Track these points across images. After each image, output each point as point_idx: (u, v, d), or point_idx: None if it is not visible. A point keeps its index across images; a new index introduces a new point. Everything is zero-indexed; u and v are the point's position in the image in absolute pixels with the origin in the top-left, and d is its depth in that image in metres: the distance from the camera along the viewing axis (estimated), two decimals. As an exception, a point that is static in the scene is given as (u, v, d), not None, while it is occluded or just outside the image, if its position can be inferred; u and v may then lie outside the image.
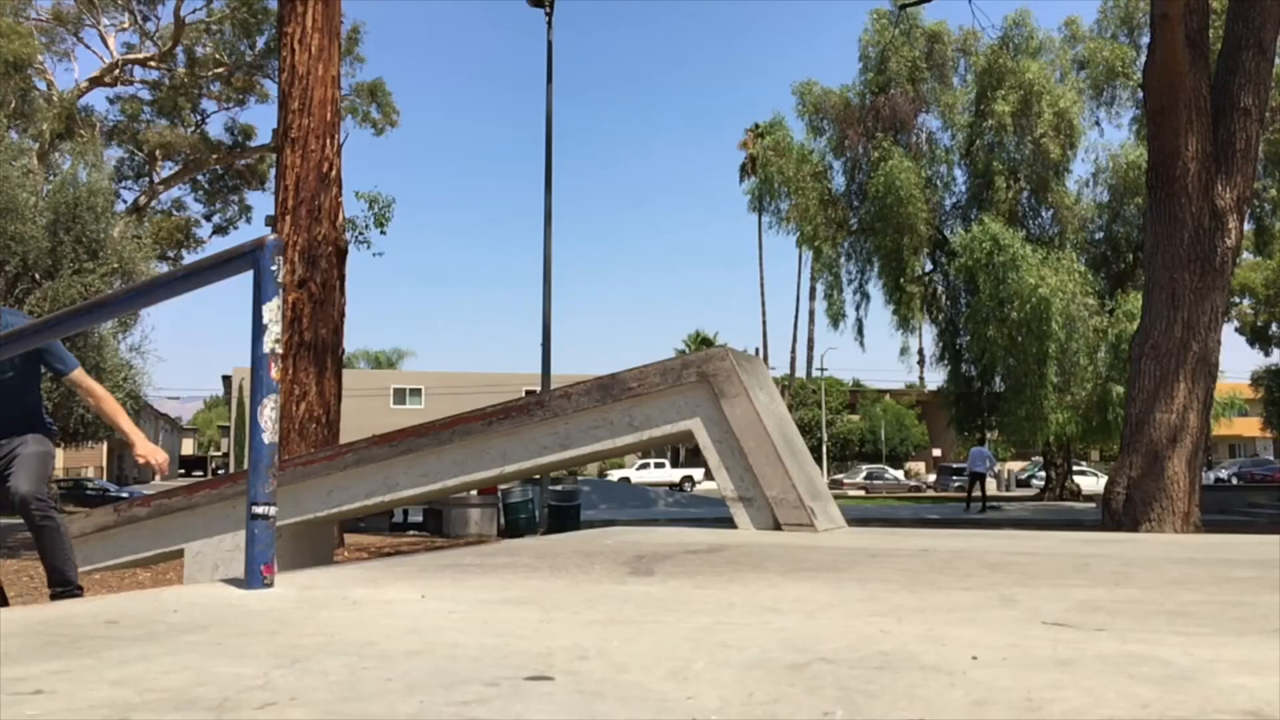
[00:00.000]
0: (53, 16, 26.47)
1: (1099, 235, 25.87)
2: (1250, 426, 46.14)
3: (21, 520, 3.52)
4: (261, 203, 33.15)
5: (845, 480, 41.19)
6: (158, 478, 3.80)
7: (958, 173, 26.33)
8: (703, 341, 55.65)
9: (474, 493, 14.35)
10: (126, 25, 26.93)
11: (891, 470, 45.82)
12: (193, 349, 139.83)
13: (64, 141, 24.22)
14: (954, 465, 39.36)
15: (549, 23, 17.47)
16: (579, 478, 21.81)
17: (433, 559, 3.22)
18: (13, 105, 23.99)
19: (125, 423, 3.58)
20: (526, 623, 1.82)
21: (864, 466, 45.96)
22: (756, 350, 52.63)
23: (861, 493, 38.09)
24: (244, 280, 2.58)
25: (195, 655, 1.53)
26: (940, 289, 26.47)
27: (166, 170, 28.62)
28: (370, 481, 5.20)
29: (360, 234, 23.07)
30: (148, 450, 3.49)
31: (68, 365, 3.62)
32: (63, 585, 3.49)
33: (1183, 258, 8.37)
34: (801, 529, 4.19)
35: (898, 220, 23.40)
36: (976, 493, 23.80)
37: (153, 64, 27.16)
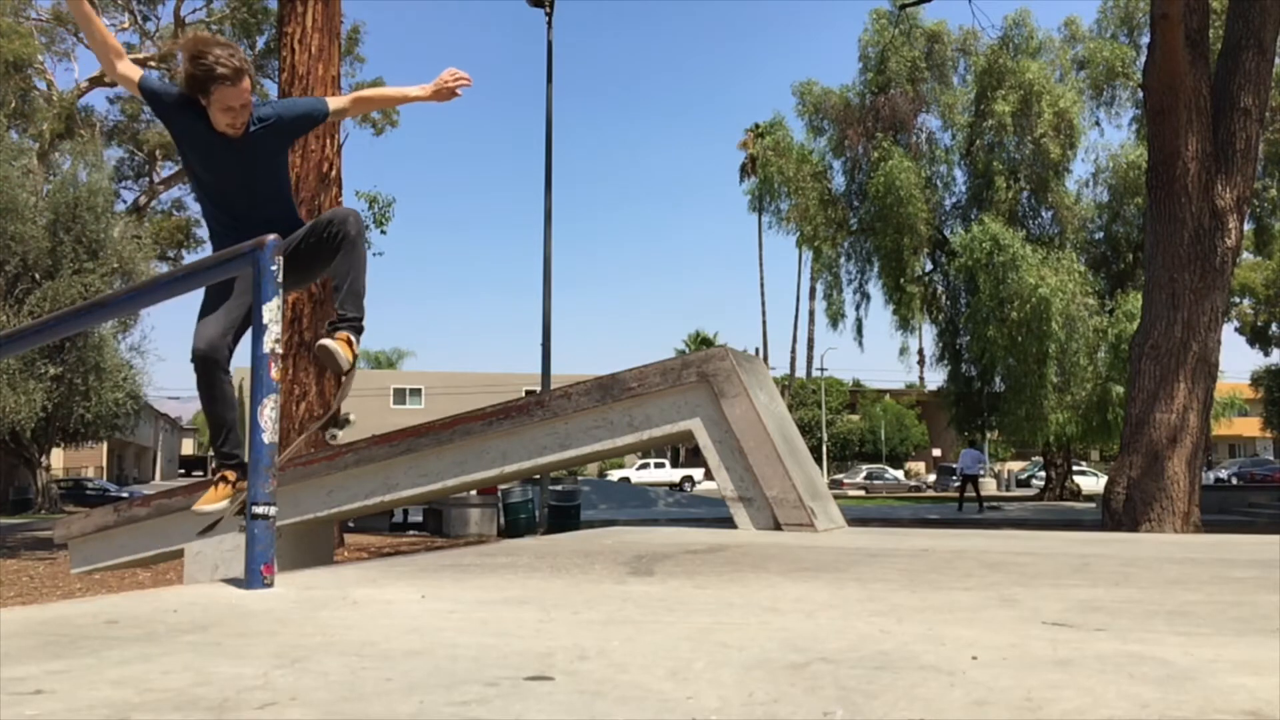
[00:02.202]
0: (53, 16, 26.47)
1: (1099, 235, 25.87)
2: (1250, 426, 46.16)
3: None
4: (261, 203, 33.07)
5: (845, 480, 41.19)
6: (452, 89, 3.33)
7: (958, 173, 26.35)
8: (703, 341, 55.66)
9: (474, 493, 14.35)
10: (126, 25, 26.93)
11: (891, 470, 45.81)
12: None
13: (64, 141, 24.22)
14: (954, 465, 39.36)
15: (549, 23, 17.48)
16: (579, 478, 21.82)
17: (433, 559, 3.22)
18: (13, 105, 23.99)
19: (397, 91, 3.38)
20: (526, 623, 1.82)
21: (864, 466, 45.96)
22: (756, 350, 52.66)
23: (861, 493, 38.09)
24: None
25: (195, 655, 1.53)
26: (940, 289, 26.47)
27: (166, 170, 28.63)
28: (370, 481, 5.20)
29: (360, 234, 23.01)
30: (435, 86, 3.21)
31: (322, 104, 3.30)
32: (356, 310, 3.21)
33: (1183, 258, 8.37)
34: (801, 529, 4.19)
35: (898, 220, 23.40)
36: (970, 493, 23.83)
37: (153, 64, 27.13)
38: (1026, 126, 23.81)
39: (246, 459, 3.25)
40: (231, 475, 3.19)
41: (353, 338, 3.17)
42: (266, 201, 3.23)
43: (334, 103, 3.25)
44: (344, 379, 3.27)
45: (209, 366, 3.10)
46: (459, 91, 3.23)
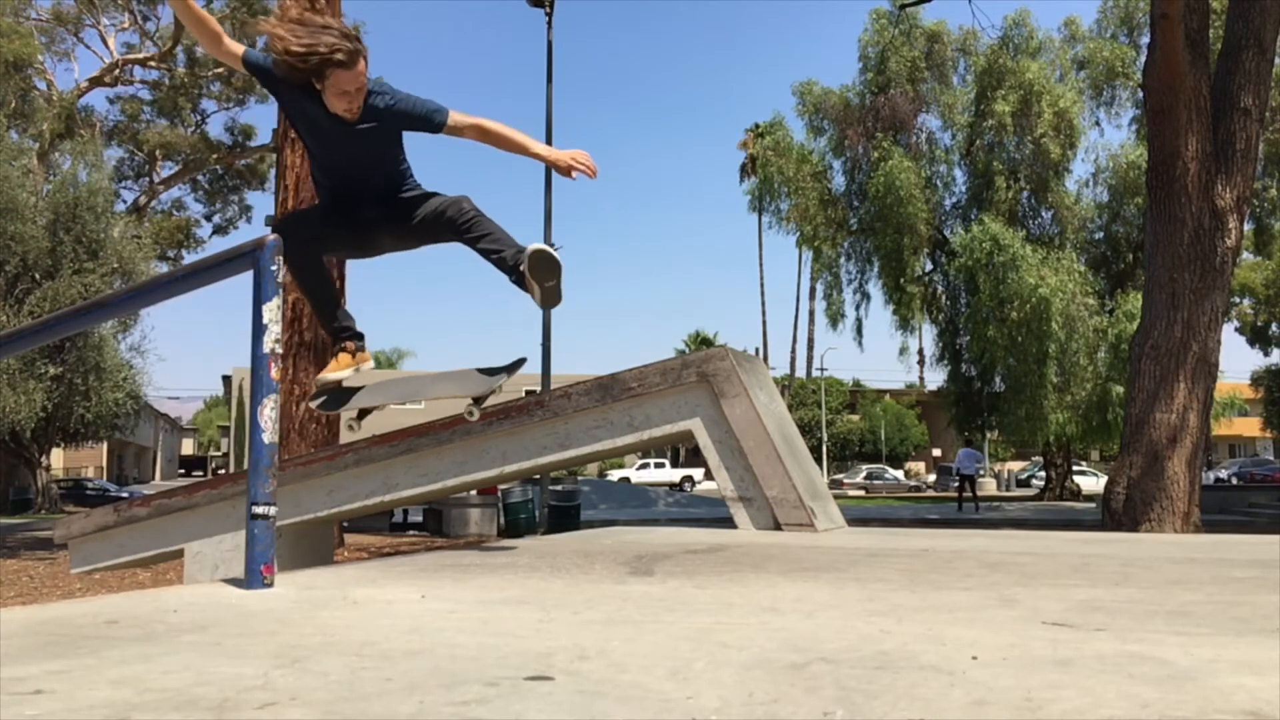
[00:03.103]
0: (53, 16, 26.47)
1: (1099, 235, 25.87)
2: (1250, 426, 46.16)
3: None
4: (261, 203, 33.17)
5: (845, 480, 41.19)
6: (572, 165, 3.10)
7: (958, 173, 26.34)
8: (703, 341, 55.65)
9: (474, 493, 14.35)
10: (126, 25, 26.94)
11: (891, 470, 45.81)
12: (193, 349, 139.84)
13: (64, 141, 24.22)
14: (953, 465, 39.38)
15: (549, 23, 17.48)
16: (579, 478, 21.81)
17: (433, 559, 3.22)
18: (13, 105, 23.98)
19: (521, 138, 3.17)
20: (526, 623, 1.82)
21: (864, 466, 45.96)
22: (756, 350, 52.65)
23: (861, 493, 38.08)
24: (244, 280, 2.58)
25: (195, 655, 1.53)
26: (940, 289, 26.47)
27: (166, 170, 28.64)
28: (370, 481, 5.20)
29: (360, 234, 23.04)
30: (560, 155, 3.07)
31: (441, 114, 3.13)
32: (517, 246, 3.10)
33: (1183, 258, 8.37)
34: (801, 529, 4.19)
35: (898, 220, 23.40)
36: (967, 493, 23.87)
37: (153, 64, 27.16)
38: (1026, 126, 23.81)
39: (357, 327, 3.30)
40: (350, 346, 3.24)
41: (544, 246, 3.08)
42: (377, 177, 3.19)
43: (455, 117, 3.12)
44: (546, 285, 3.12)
45: (291, 235, 3.04)
46: (574, 176, 3.10)
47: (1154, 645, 1.55)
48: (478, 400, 3.21)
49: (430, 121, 3.10)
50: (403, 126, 3.14)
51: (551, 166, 3.11)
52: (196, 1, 3.07)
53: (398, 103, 3.06)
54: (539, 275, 3.02)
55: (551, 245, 3.14)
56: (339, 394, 3.31)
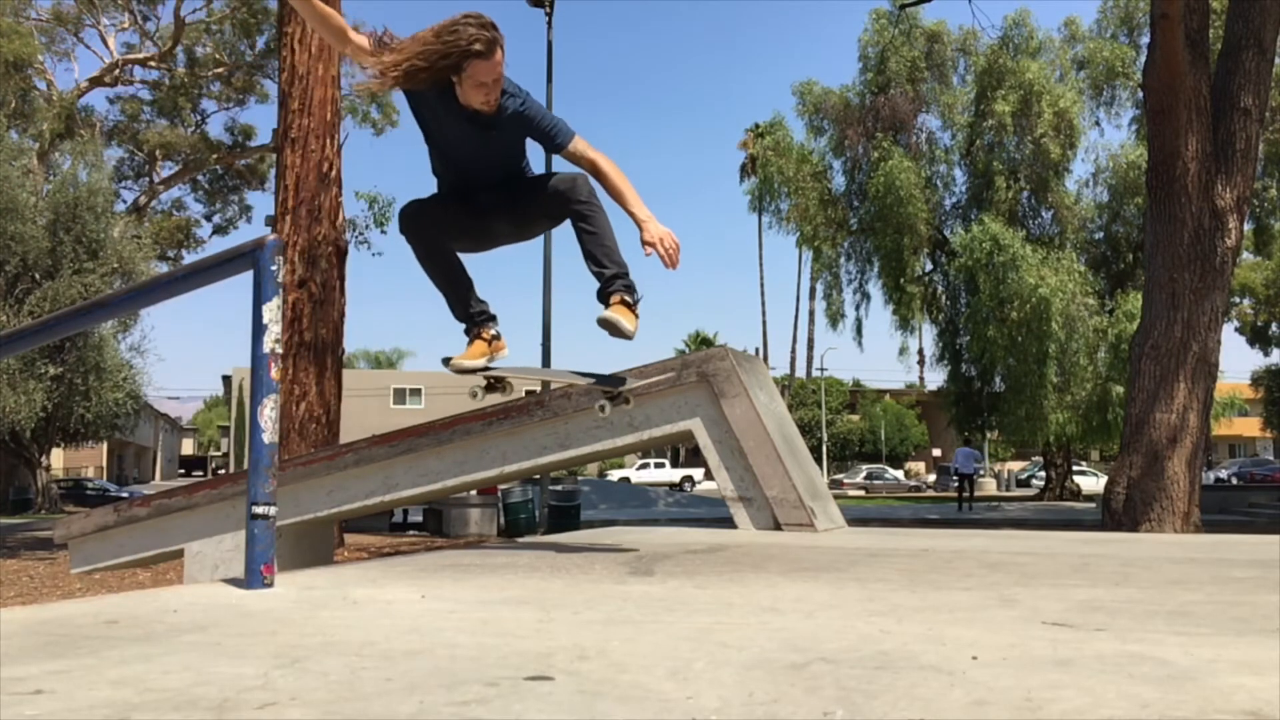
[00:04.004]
0: (53, 16, 26.47)
1: (1099, 235, 25.87)
2: (1250, 426, 46.16)
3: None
4: (261, 203, 33.18)
5: (845, 480, 41.19)
6: (657, 244, 2.90)
7: (958, 173, 26.35)
8: (703, 341, 55.63)
9: (474, 493, 14.35)
10: (126, 25, 26.94)
11: (891, 470, 45.82)
12: (193, 349, 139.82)
13: (64, 141, 24.22)
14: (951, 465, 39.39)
15: (549, 23, 17.48)
16: (579, 478, 21.81)
17: (433, 559, 3.22)
18: (13, 105, 23.98)
19: (633, 202, 2.99)
20: (526, 623, 1.82)
21: (864, 466, 45.96)
22: (756, 350, 52.64)
23: (861, 493, 38.09)
24: (244, 280, 2.58)
25: (195, 655, 1.53)
26: (940, 289, 26.47)
27: (166, 170, 28.64)
28: (370, 481, 5.20)
29: (360, 234, 23.10)
30: (655, 228, 2.91)
31: (565, 137, 3.04)
32: (616, 265, 2.99)
33: (1183, 258, 8.37)
34: (801, 529, 4.19)
35: (898, 220, 23.40)
36: (967, 492, 23.94)
37: (153, 64, 27.16)
38: (1026, 126, 23.81)
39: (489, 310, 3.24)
40: (487, 333, 3.19)
41: (627, 296, 2.96)
42: (497, 174, 3.14)
43: (578, 144, 3.03)
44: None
45: (412, 223, 3.05)
46: (649, 253, 2.93)
47: (1154, 645, 1.55)
48: (609, 397, 3.17)
49: (551, 140, 3.03)
50: (525, 134, 3.07)
51: (639, 231, 2.96)
52: None
53: (527, 109, 3.00)
54: (607, 328, 2.98)
55: (631, 298, 2.97)
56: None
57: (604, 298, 2.99)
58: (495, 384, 3.32)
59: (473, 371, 3.20)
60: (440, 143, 3.08)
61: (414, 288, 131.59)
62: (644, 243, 2.91)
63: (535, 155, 3.28)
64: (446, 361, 3.25)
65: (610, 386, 3.08)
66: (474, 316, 3.21)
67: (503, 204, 3.16)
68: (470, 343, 3.22)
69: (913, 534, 4.25)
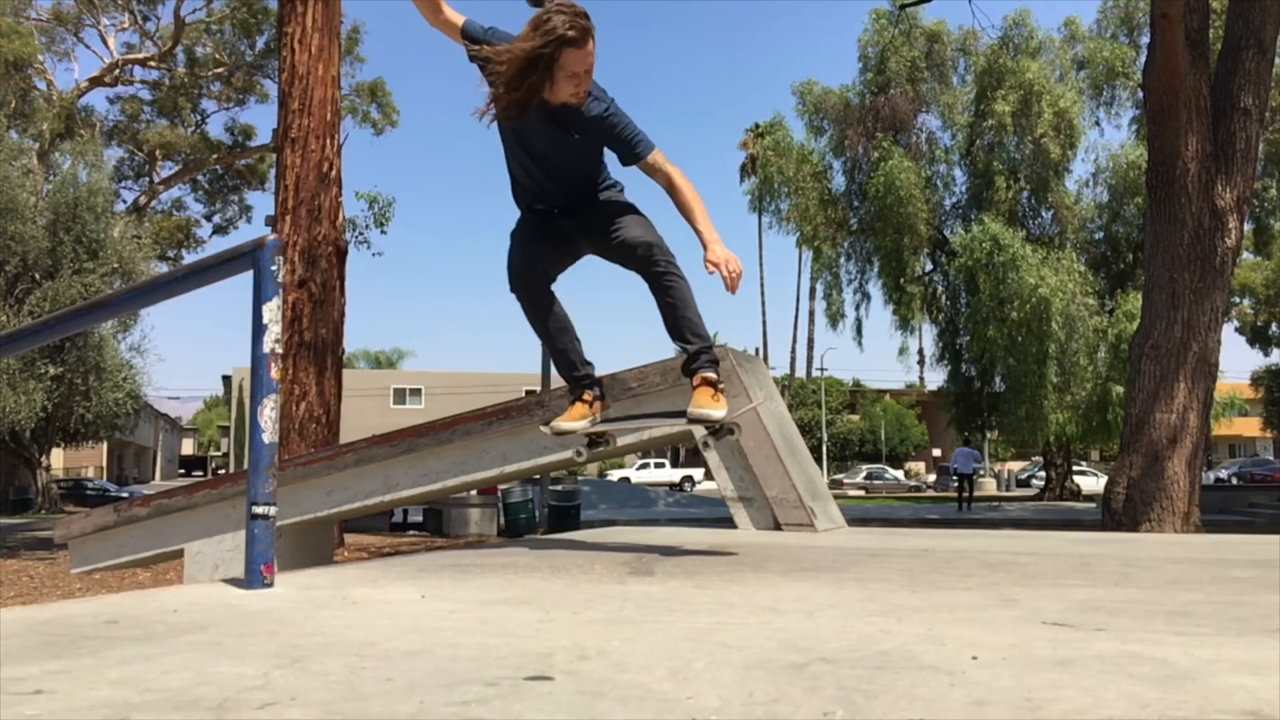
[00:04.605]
0: (53, 16, 26.47)
1: (1099, 235, 25.87)
2: (1250, 426, 46.15)
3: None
4: (261, 203, 33.20)
5: (845, 480, 41.19)
6: (728, 282, 2.83)
7: (958, 173, 26.35)
8: (702, 341, 55.45)
9: (474, 493, 14.35)
10: (126, 25, 26.94)
11: (891, 470, 45.82)
12: (193, 349, 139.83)
13: (64, 141, 24.22)
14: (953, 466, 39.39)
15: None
16: (579, 478, 21.82)
17: (433, 559, 3.22)
18: (13, 105, 23.98)
19: (701, 221, 2.97)
20: (526, 623, 1.82)
21: (864, 466, 45.96)
22: (756, 350, 52.64)
23: (861, 493, 38.09)
24: (244, 280, 2.58)
25: (195, 655, 1.53)
26: (940, 289, 26.48)
27: (166, 170, 28.64)
28: (370, 481, 5.20)
29: (360, 234, 23.10)
30: (720, 250, 2.88)
31: (645, 147, 3.00)
32: (699, 339, 2.98)
33: (1183, 258, 8.37)
34: (801, 529, 4.19)
35: (898, 220, 23.40)
36: (966, 492, 23.99)
37: (153, 64, 27.17)
38: (1026, 126, 23.82)
39: (594, 373, 3.20)
40: (589, 396, 3.16)
41: (711, 374, 2.94)
42: (573, 180, 3.10)
43: (656, 156, 3.00)
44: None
45: (530, 283, 3.02)
46: (712, 272, 2.90)
47: (1154, 645, 1.55)
48: (712, 431, 3.07)
49: (631, 149, 3.00)
50: (604, 141, 3.03)
51: (704, 249, 2.94)
52: None
53: (610, 115, 2.96)
54: (698, 422, 2.96)
55: (716, 374, 2.95)
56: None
57: (688, 373, 3.01)
58: (597, 440, 3.28)
59: (572, 433, 3.18)
60: (521, 141, 3.04)
61: (414, 288, 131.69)
62: (708, 262, 2.89)
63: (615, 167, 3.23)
64: (547, 423, 3.24)
65: (712, 422, 2.97)
66: (579, 379, 3.19)
67: (583, 232, 3.15)
68: (571, 404, 3.19)
69: (913, 534, 4.25)
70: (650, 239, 3.00)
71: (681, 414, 3.02)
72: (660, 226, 3.14)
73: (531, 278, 3.08)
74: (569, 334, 3.18)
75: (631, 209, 3.13)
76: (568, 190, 3.13)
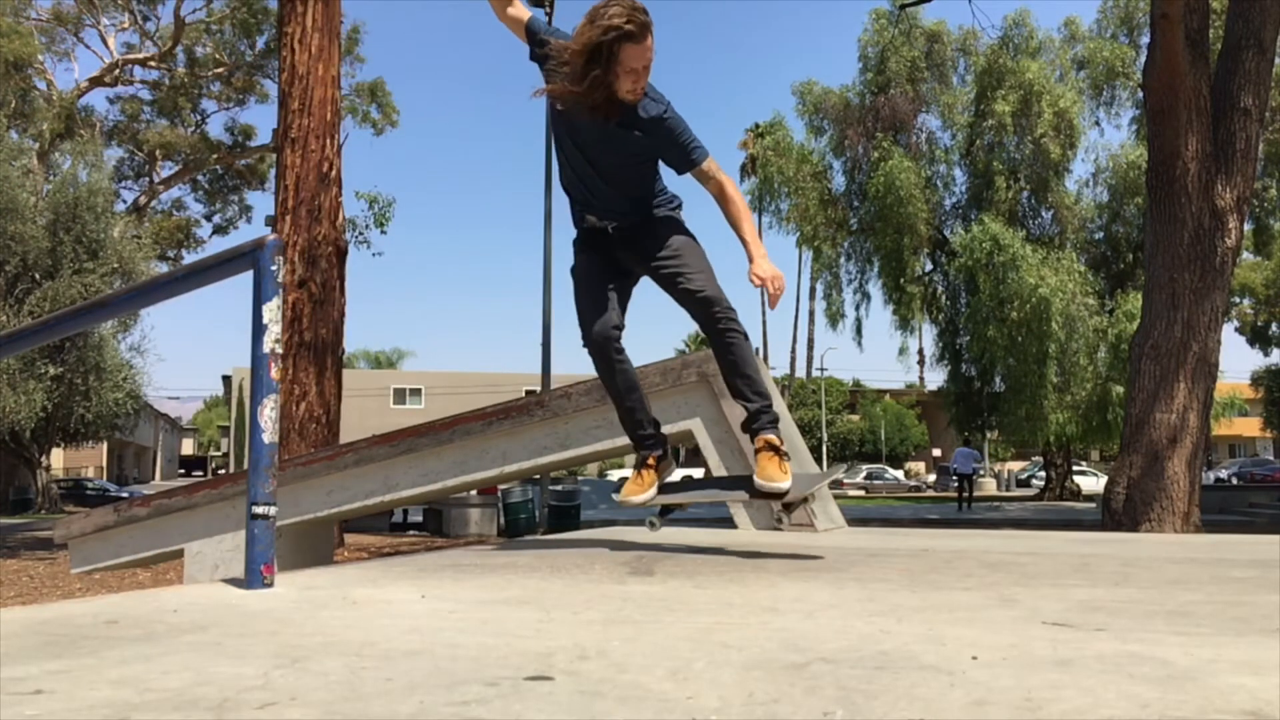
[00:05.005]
0: (53, 16, 26.48)
1: (1099, 235, 25.88)
2: (1250, 426, 46.16)
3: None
4: (261, 203, 33.21)
5: (845, 480, 41.18)
6: (768, 281, 2.84)
7: (958, 173, 26.36)
8: (703, 342, 55.40)
9: (474, 493, 14.36)
10: (126, 25, 26.95)
11: (891, 470, 45.81)
12: (193, 349, 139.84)
13: (64, 141, 24.22)
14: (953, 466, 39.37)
15: (549, 19, 17.47)
16: (579, 478, 21.81)
17: (433, 559, 3.22)
18: (13, 105, 23.98)
19: (749, 234, 2.95)
20: (526, 623, 1.82)
21: (864, 466, 45.95)
22: (757, 350, 52.55)
23: (861, 493, 38.09)
24: (244, 280, 2.58)
25: (195, 655, 1.53)
26: (940, 289, 26.48)
27: (166, 170, 28.65)
28: (370, 481, 5.20)
29: (360, 234, 23.11)
30: (765, 264, 2.85)
31: (701, 154, 2.98)
32: (760, 398, 2.95)
33: (1183, 258, 8.37)
34: (801, 529, 4.18)
35: (898, 220, 23.41)
36: (966, 492, 24.01)
37: (153, 64, 27.17)
38: (1026, 126, 23.82)
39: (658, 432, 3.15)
40: (653, 460, 3.12)
41: (773, 436, 2.91)
42: (625, 182, 3.04)
43: (711, 165, 2.99)
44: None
45: (603, 346, 2.99)
46: (757, 284, 2.88)
47: (1154, 645, 1.55)
48: (786, 506, 2.98)
49: (687, 155, 2.96)
50: (660, 145, 2.97)
51: (750, 262, 2.92)
52: None
53: (669, 117, 2.91)
54: (763, 495, 2.93)
55: (778, 435, 2.93)
56: None
57: (749, 432, 2.99)
58: (668, 509, 3.25)
59: (643, 505, 3.15)
60: (574, 137, 3.00)
61: (414, 288, 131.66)
62: (754, 274, 2.88)
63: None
64: (616, 491, 3.20)
65: (781, 494, 2.92)
66: (643, 439, 3.16)
67: (640, 262, 3.09)
68: (638, 472, 3.14)
69: (913, 534, 4.25)
70: (714, 292, 2.95)
71: (747, 481, 2.98)
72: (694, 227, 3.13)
73: (608, 340, 3.02)
74: (637, 393, 3.15)
75: (692, 244, 3.08)
76: (621, 198, 3.07)
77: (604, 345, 3.01)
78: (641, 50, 2.72)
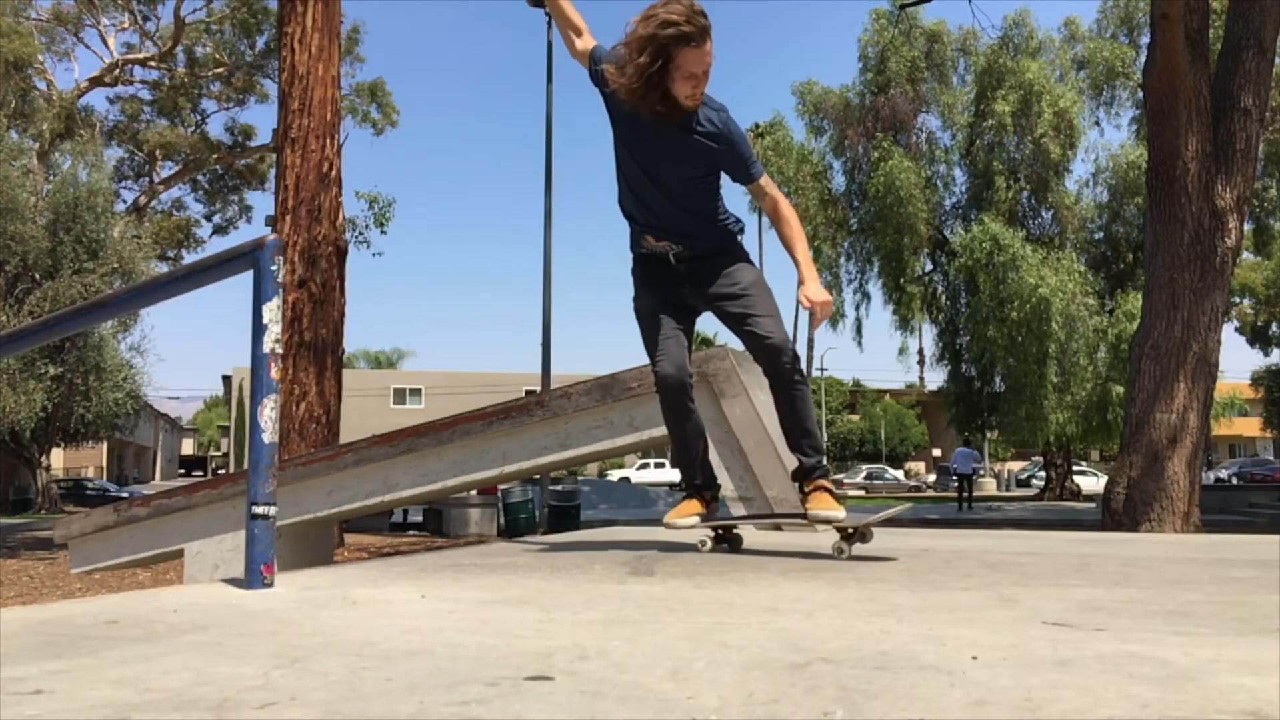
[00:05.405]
0: (53, 16, 26.48)
1: (1099, 235, 25.89)
2: (1250, 426, 46.17)
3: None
4: (261, 203, 33.22)
5: (845, 480, 41.18)
6: (819, 307, 2.83)
7: (958, 173, 26.38)
8: (702, 342, 55.65)
9: (474, 493, 14.35)
10: (126, 25, 26.94)
11: (891, 470, 45.81)
12: (193, 349, 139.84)
13: (64, 141, 24.22)
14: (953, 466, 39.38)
15: (549, 23, 17.48)
16: (579, 478, 21.81)
17: (433, 559, 3.22)
18: (13, 105, 23.99)
19: (802, 254, 2.94)
20: (526, 623, 1.82)
21: (864, 466, 45.95)
22: (756, 350, 52.57)
23: (861, 493, 38.08)
24: (244, 280, 2.58)
25: (195, 655, 1.53)
26: (940, 289, 26.49)
27: (166, 170, 28.64)
28: (370, 481, 5.20)
29: (360, 234, 23.12)
30: (816, 296, 2.83)
31: (759, 169, 2.99)
32: (817, 453, 2.99)
33: (1183, 258, 8.37)
34: (802, 529, 4.18)
35: (898, 220, 23.41)
36: (966, 492, 24.02)
37: (153, 64, 27.17)
38: (1026, 126, 23.82)
39: (703, 480, 3.15)
40: (706, 495, 3.15)
41: (826, 483, 2.97)
42: (684, 195, 2.99)
43: (766, 182, 3.00)
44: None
45: (680, 393, 2.99)
46: (806, 306, 2.88)
47: (1154, 645, 1.55)
48: (846, 536, 2.99)
49: (746, 169, 2.94)
50: (720, 156, 2.94)
51: (801, 283, 2.93)
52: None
53: (730, 128, 2.88)
54: (819, 522, 2.96)
55: (831, 482, 2.99)
56: None
57: (804, 481, 3.01)
58: (722, 535, 3.24)
59: (687, 529, 3.16)
60: (632, 148, 2.96)
61: (414, 288, 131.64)
62: (804, 296, 2.87)
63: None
64: (665, 522, 3.22)
65: (838, 522, 2.95)
66: (697, 486, 3.17)
67: (706, 305, 3.10)
68: (689, 499, 3.16)
69: (913, 534, 4.25)
70: (782, 338, 2.94)
71: (802, 515, 3.02)
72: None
73: (685, 387, 3.01)
74: (702, 439, 3.17)
75: (761, 282, 3.06)
76: (682, 214, 3.02)
77: (680, 392, 3.01)
78: (700, 55, 2.66)
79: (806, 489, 2.99)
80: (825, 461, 3.03)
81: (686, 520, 3.11)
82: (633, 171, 3.01)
